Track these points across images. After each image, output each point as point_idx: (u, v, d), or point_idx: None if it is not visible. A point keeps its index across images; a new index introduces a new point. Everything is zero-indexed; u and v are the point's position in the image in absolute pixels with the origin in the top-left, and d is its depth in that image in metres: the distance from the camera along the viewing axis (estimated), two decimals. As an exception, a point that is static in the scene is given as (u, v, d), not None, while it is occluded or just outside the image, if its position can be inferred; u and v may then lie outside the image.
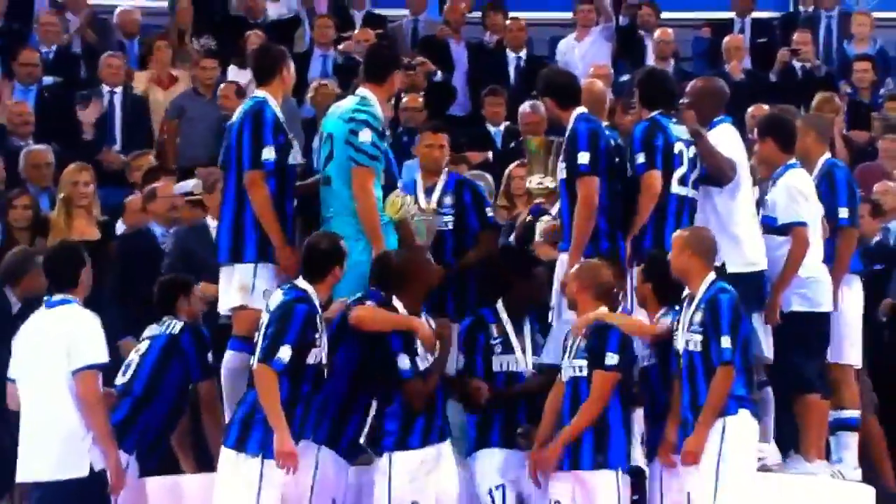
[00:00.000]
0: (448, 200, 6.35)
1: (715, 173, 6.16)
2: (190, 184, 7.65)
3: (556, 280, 6.10)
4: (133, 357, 6.08)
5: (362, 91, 6.02)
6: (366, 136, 5.86)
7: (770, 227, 6.36)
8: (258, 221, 5.83)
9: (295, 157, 5.96)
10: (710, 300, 5.54)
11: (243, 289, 5.83)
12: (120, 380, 6.05)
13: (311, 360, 5.49)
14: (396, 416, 5.61)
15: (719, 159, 6.14)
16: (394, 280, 5.70)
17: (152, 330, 6.14)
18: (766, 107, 8.44)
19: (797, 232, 6.28)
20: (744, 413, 5.52)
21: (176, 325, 6.09)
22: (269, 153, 5.82)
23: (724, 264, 6.09)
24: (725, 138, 6.28)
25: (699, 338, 5.53)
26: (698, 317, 5.54)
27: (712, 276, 5.63)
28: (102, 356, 5.51)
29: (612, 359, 5.58)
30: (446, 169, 6.46)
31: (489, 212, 6.51)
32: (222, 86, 9.45)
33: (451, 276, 6.19)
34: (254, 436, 5.40)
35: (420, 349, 5.64)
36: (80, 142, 9.32)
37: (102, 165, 9.13)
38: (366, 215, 5.85)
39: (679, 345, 5.60)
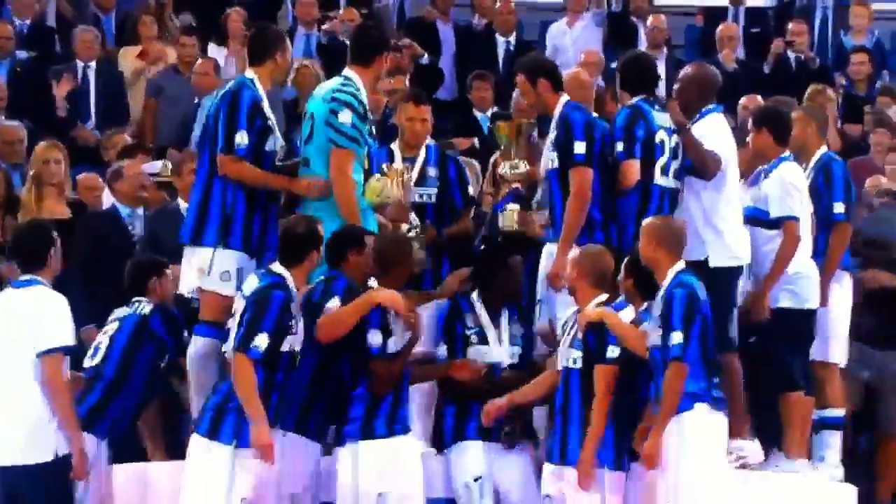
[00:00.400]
0: (432, 173, 6.31)
1: (698, 167, 6.13)
2: (157, 164, 7.61)
3: (542, 270, 6.06)
4: (102, 339, 6.05)
5: (347, 72, 5.98)
6: (346, 117, 5.82)
7: (761, 220, 6.35)
8: (223, 206, 5.81)
9: (274, 142, 5.91)
10: (667, 294, 5.54)
11: (201, 271, 5.83)
12: (88, 363, 6.02)
13: (285, 347, 5.47)
14: (362, 401, 5.58)
15: (702, 153, 6.10)
16: (377, 264, 5.67)
17: (121, 312, 6.11)
18: (759, 97, 8.42)
19: (789, 226, 6.26)
20: (700, 407, 5.50)
21: (146, 307, 6.07)
22: (241, 138, 5.78)
23: (707, 258, 6.09)
24: (714, 128, 6.24)
25: (659, 332, 5.53)
26: (658, 311, 5.55)
27: (678, 267, 5.59)
28: (69, 339, 5.47)
29: (613, 351, 5.59)
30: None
31: (471, 190, 6.48)
32: (199, 62, 9.35)
33: (429, 250, 6.16)
34: (227, 424, 5.39)
35: (395, 328, 5.61)
36: (53, 118, 9.24)
37: (77, 142, 9.06)
38: (343, 198, 5.80)
39: (650, 339, 5.60)
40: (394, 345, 5.61)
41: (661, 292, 5.57)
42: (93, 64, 9.56)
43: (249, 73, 5.97)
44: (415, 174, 6.26)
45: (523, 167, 6.28)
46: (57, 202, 7.35)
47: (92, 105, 9.51)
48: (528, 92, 6.11)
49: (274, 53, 5.93)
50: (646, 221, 5.69)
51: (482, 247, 6.32)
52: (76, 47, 9.61)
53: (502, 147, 6.49)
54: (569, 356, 5.67)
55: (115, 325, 6.04)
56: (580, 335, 5.64)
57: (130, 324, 5.99)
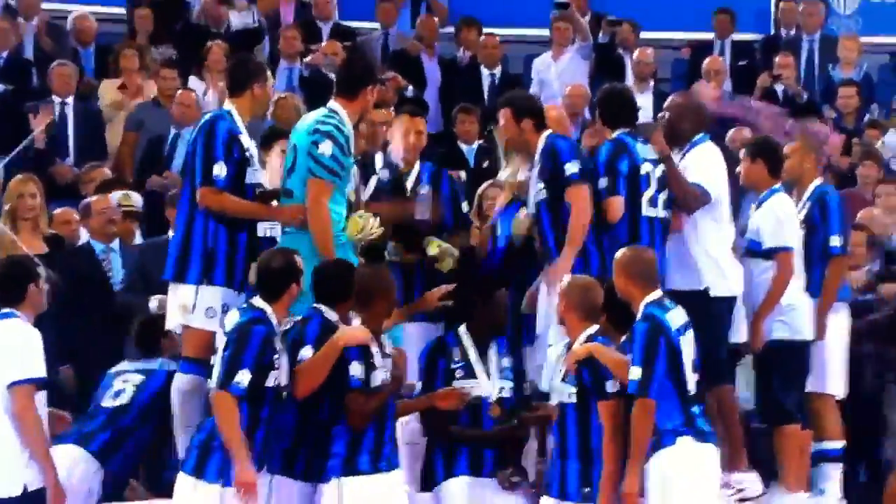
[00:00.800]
0: (424, 190, 6.24)
1: (680, 199, 6.12)
2: (117, 195, 7.55)
3: (539, 309, 5.98)
4: (124, 386, 6.12)
5: (332, 104, 5.95)
6: (326, 148, 5.78)
7: (754, 251, 6.33)
8: (204, 242, 5.78)
9: (253, 174, 5.85)
10: (632, 329, 5.50)
11: (184, 308, 5.80)
12: (109, 403, 6.08)
13: (269, 382, 5.40)
14: (343, 436, 5.50)
15: (684, 185, 6.11)
16: (358, 298, 5.61)
17: (143, 364, 6.22)
18: (745, 130, 8.43)
19: (784, 257, 6.27)
20: (684, 441, 5.44)
21: (171, 364, 6.13)
22: (219, 169, 5.73)
23: (706, 288, 6.05)
24: (706, 159, 6.24)
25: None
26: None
27: (650, 298, 5.54)
28: (38, 371, 5.41)
29: (612, 385, 5.52)
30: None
31: (464, 207, 6.41)
32: (180, 93, 9.28)
33: (420, 270, 6.11)
34: (212, 462, 5.33)
35: (377, 361, 5.54)
36: (31, 153, 9.14)
37: (55, 179, 8.96)
38: (317, 229, 5.73)
39: None
40: (376, 378, 5.54)
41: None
42: (70, 100, 9.45)
43: (228, 105, 5.93)
44: (408, 189, 6.21)
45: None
46: (33, 237, 7.24)
47: (70, 141, 9.41)
48: (510, 128, 6.08)
49: (252, 85, 5.88)
50: (617, 254, 5.66)
51: (465, 278, 6.25)
52: (53, 83, 9.49)
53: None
54: (563, 391, 5.61)
55: (141, 377, 6.12)
56: (572, 371, 5.58)
57: (160, 380, 6.06)
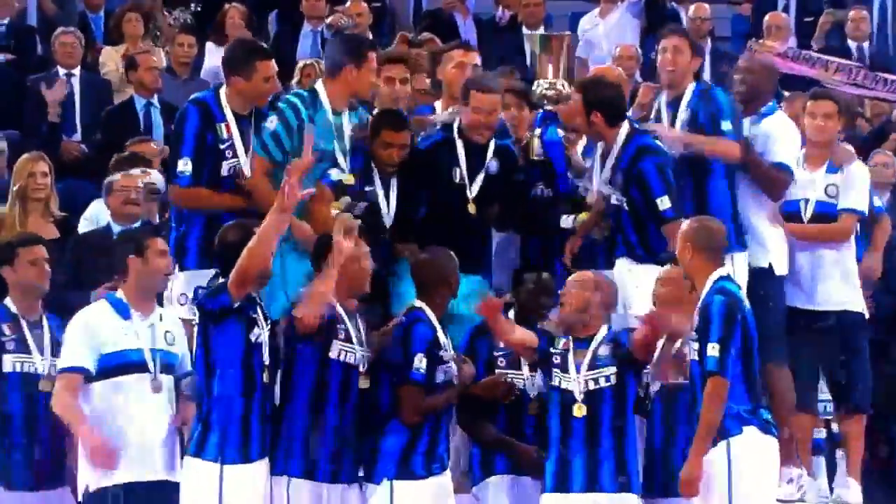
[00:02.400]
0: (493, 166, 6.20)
1: (765, 187, 6.12)
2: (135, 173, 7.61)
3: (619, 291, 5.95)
4: None
5: (316, 84, 5.93)
6: (270, 123, 5.74)
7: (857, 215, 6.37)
8: (177, 228, 5.86)
9: (232, 168, 5.80)
10: (703, 304, 5.46)
11: (167, 299, 5.88)
12: None
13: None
14: (398, 434, 5.55)
15: (770, 174, 6.13)
16: (418, 287, 5.68)
17: None
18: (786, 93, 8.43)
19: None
20: (750, 431, 5.42)
21: None
22: (184, 165, 5.75)
23: (770, 266, 6.10)
24: (785, 130, 6.24)
25: (696, 346, 5.45)
26: (696, 322, 5.48)
27: (718, 273, 5.50)
28: (70, 360, 5.56)
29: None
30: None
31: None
32: (144, 57, 9.10)
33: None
34: (210, 441, 5.42)
35: (445, 356, 5.58)
36: (36, 128, 9.21)
37: (62, 156, 9.04)
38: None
39: (689, 354, 5.54)
40: (441, 375, 5.61)
41: (699, 302, 5.48)
42: (76, 71, 9.39)
43: (223, 88, 5.90)
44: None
45: (560, 86, 6.21)
46: (43, 220, 7.28)
47: (77, 115, 9.41)
48: (579, 117, 6.01)
49: (237, 71, 5.80)
50: (683, 225, 5.62)
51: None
52: (56, 52, 9.39)
53: (537, 57, 6.43)
54: (598, 376, 5.58)
55: None
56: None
57: None
